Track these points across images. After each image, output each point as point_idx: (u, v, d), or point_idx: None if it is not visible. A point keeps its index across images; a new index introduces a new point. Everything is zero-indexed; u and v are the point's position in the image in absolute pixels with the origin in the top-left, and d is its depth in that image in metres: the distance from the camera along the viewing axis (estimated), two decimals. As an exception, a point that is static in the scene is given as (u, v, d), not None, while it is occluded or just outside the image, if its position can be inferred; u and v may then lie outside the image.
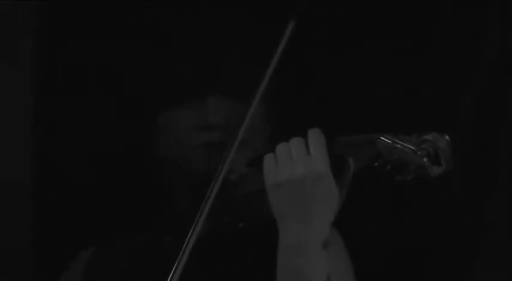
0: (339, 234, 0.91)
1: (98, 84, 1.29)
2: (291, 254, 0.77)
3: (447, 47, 1.32)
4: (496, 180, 1.26)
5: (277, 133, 0.94)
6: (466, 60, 1.29)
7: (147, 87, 0.96)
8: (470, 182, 1.22)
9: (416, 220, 1.23)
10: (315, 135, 0.79)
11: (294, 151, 0.78)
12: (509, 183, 1.24)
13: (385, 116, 1.21)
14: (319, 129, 0.79)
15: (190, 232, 0.77)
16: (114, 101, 1.26)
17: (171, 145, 0.92)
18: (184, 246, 0.77)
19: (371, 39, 1.31)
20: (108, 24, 1.29)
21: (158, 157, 0.94)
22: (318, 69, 1.29)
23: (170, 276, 0.75)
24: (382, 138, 0.75)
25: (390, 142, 0.74)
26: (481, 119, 1.25)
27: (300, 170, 0.76)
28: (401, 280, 1.25)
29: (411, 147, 0.73)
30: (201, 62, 0.91)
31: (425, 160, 0.72)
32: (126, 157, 1.21)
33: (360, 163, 0.77)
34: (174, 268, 0.76)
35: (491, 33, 1.29)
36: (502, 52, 1.28)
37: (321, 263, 0.76)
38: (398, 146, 0.74)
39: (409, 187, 0.91)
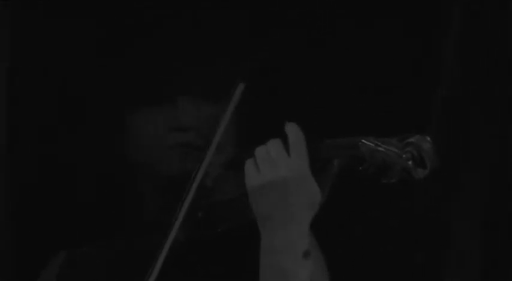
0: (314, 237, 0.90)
1: (64, 84, 1.23)
2: (273, 256, 0.76)
3: (413, 50, 1.33)
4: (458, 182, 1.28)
5: (245, 135, 0.92)
6: (431, 65, 1.31)
7: (116, 89, 0.92)
8: (435, 184, 1.23)
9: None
10: (295, 136, 0.77)
11: (273, 152, 0.77)
12: (472, 185, 1.27)
13: (358, 118, 1.21)
14: (300, 130, 0.77)
15: (168, 236, 0.75)
16: (83, 103, 1.21)
17: (143, 147, 0.88)
18: (160, 251, 0.74)
19: (338, 39, 1.31)
20: (74, 25, 1.24)
21: (129, 159, 0.90)
22: (289, 70, 1.27)
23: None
24: (365, 141, 0.74)
25: (373, 145, 0.73)
26: (447, 121, 1.26)
27: (283, 172, 0.75)
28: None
29: (395, 150, 0.72)
30: (172, 63, 0.88)
31: (410, 162, 0.71)
32: (97, 160, 1.16)
33: (343, 165, 0.76)
34: (148, 274, 0.73)
35: (454, 34, 1.31)
36: (467, 55, 1.30)
37: (303, 264, 0.75)
38: (381, 149, 0.73)
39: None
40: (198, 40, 0.93)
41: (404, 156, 0.71)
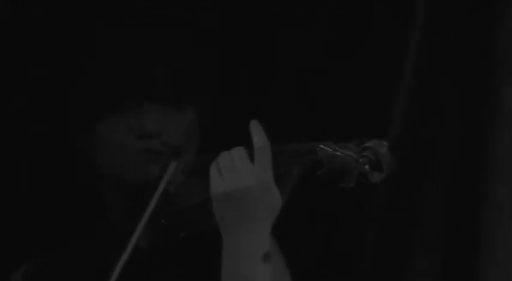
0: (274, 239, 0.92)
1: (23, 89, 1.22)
2: (234, 261, 0.78)
3: (374, 53, 1.35)
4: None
5: (206, 143, 0.93)
6: (393, 66, 1.33)
7: (79, 94, 0.91)
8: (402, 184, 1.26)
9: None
10: (260, 143, 0.78)
11: (237, 161, 0.78)
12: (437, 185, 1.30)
13: (318, 123, 1.23)
14: (266, 137, 0.78)
15: (129, 243, 0.75)
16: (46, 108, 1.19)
17: (108, 153, 0.87)
18: (122, 257, 0.75)
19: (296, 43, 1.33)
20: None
21: (93, 166, 0.90)
22: (249, 77, 1.29)
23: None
24: (322, 146, 0.75)
25: (331, 150, 0.75)
26: (409, 123, 1.29)
27: (247, 181, 0.76)
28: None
29: (352, 155, 0.74)
30: (134, 69, 0.88)
31: (367, 167, 0.73)
32: (63, 168, 1.15)
33: (302, 170, 0.78)
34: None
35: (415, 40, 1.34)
36: (426, 56, 1.32)
37: (264, 269, 0.77)
38: (339, 154, 0.74)
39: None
40: (160, 47, 0.93)
41: (361, 160, 0.73)
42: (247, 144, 0.78)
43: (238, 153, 0.78)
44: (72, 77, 0.99)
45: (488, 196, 1.26)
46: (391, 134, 1.24)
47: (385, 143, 0.76)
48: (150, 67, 0.88)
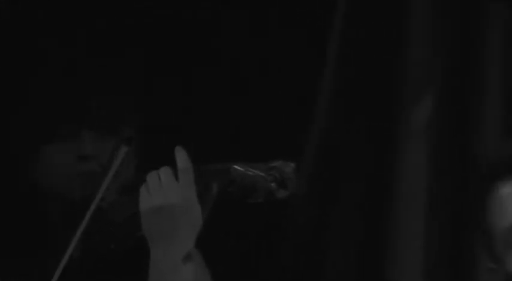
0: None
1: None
2: (159, 271, 0.87)
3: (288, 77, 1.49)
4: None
5: (144, 163, 1.04)
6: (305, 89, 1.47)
7: (21, 121, 1.02)
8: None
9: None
10: (183, 165, 0.89)
11: (163, 179, 0.88)
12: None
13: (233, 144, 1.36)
14: (188, 160, 0.89)
15: (64, 254, 0.85)
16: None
17: (52, 174, 0.98)
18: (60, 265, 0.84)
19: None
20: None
21: (34, 185, 1.00)
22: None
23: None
24: (236, 167, 0.87)
25: (243, 169, 0.87)
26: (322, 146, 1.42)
27: (171, 199, 0.87)
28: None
29: (261, 174, 0.86)
30: (70, 100, 0.99)
31: (273, 184, 0.85)
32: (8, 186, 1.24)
33: (220, 188, 0.89)
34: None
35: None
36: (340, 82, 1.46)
37: (187, 277, 0.87)
38: (250, 173, 0.86)
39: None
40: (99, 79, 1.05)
41: (268, 178, 0.85)
42: (174, 163, 0.90)
43: (165, 172, 0.89)
44: (15, 106, 1.09)
45: (396, 201, 1.40)
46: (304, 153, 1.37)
47: (292, 164, 0.88)
48: (85, 98, 1.00)
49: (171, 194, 0.87)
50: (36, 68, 1.19)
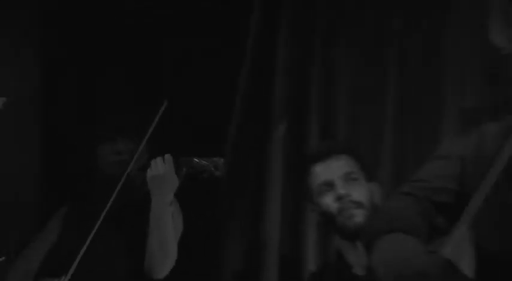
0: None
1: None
2: (155, 210, 1.84)
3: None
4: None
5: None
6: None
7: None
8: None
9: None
10: (167, 157, 1.82)
11: (158, 162, 1.83)
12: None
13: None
14: (169, 154, 1.83)
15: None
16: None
17: (101, 161, 1.87)
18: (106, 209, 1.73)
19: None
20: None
21: (95, 167, 1.88)
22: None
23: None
24: (195, 159, 1.82)
25: (198, 161, 1.82)
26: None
27: (161, 171, 1.79)
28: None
29: (207, 163, 1.81)
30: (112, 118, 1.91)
31: (212, 169, 1.81)
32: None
33: (186, 169, 1.82)
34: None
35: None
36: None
37: (169, 209, 1.81)
38: (203, 162, 1.81)
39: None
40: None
41: (211, 165, 1.81)
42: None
43: (159, 159, 1.83)
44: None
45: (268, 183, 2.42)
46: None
47: (222, 159, 1.85)
48: (118, 118, 1.90)
49: (161, 169, 1.79)
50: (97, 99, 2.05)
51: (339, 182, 1.77)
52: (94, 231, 1.69)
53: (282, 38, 2.47)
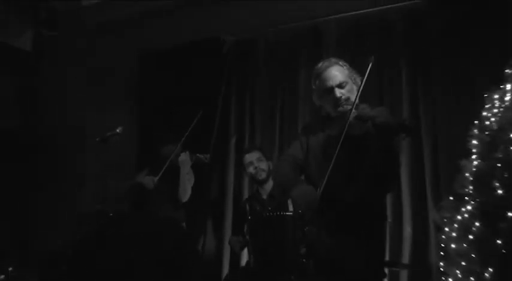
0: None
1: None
2: (182, 175, 4.59)
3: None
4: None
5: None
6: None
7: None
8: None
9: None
10: (187, 152, 4.59)
11: (183, 154, 4.57)
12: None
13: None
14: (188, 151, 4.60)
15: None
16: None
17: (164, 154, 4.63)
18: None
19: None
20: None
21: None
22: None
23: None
24: (198, 154, 4.61)
25: (199, 155, 4.61)
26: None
27: (184, 158, 4.55)
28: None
29: (202, 156, 4.62)
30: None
31: (206, 159, 4.61)
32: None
33: (195, 159, 4.62)
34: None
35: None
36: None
37: (187, 177, 4.61)
38: (201, 156, 4.61)
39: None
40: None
41: (206, 157, 4.60)
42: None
43: (184, 153, 4.58)
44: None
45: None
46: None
47: (208, 155, 4.64)
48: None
49: (185, 158, 4.52)
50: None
51: (255, 161, 4.57)
52: (159, 175, 4.31)
53: (234, 92, 5.31)
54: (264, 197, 4.29)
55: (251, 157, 4.33)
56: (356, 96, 2.57)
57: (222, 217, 5.11)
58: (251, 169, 4.28)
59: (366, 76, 2.46)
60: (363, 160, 2.49)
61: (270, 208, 3.86)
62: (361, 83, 2.51)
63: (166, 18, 5.41)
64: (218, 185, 5.23)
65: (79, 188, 5.45)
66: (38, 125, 5.79)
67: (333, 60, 2.79)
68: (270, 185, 4.28)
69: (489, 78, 3.87)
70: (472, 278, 3.00)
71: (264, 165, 4.29)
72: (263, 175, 4.26)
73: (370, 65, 2.49)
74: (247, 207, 4.34)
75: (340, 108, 2.64)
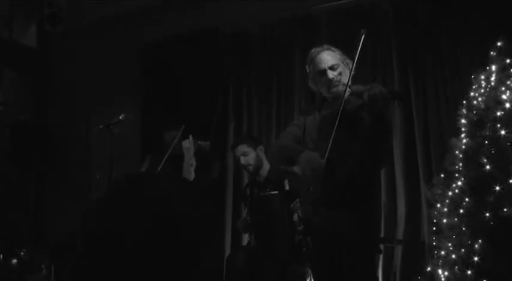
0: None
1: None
2: (186, 161, 4.62)
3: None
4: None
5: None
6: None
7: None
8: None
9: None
10: (190, 139, 4.61)
11: (187, 141, 4.58)
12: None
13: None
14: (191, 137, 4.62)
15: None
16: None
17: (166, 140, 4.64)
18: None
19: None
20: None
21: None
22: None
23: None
24: (199, 142, 4.61)
25: (200, 142, 4.62)
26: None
27: (188, 145, 4.56)
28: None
29: (204, 144, 4.62)
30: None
31: (207, 147, 4.62)
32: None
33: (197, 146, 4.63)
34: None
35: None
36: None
37: (191, 163, 4.63)
38: (202, 143, 4.61)
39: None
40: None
41: (207, 144, 4.61)
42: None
43: (188, 140, 4.61)
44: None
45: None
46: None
47: (208, 142, 4.65)
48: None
49: (188, 144, 4.54)
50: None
51: (241, 158, 4.51)
52: (162, 164, 4.38)
53: (232, 81, 5.32)
54: (261, 181, 4.31)
55: (237, 151, 4.37)
56: (350, 73, 2.60)
57: (223, 200, 5.14)
58: (243, 161, 4.33)
59: (359, 49, 2.47)
60: (358, 134, 2.52)
61: (268, 189, 3.89)
62: (356, 56, 2.52)
63: (165, 11, 5.42)
64: (218, 169, 5.25)
65: (88, 179, 5.48)
66: (48, 118, 5.82)
67: (325, 46, 2.84)
68: (265, 169, 4.29)
69: (476, 59, 3.89)
70: (462, 250, 3.05)
71: (250, 159, 4.32)
72: (250, 168, 4.30)
73: (362, 37, 2.50)
74: (248, 192, 4.37)
75: (334, 89, 2.65)
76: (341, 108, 2.43)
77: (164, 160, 4.24)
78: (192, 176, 4.43)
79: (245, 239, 4.86)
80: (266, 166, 4.31)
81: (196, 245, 0.94)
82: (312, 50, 2.81)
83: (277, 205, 3.56)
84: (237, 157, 4.38)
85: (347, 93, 2.56)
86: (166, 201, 0.92)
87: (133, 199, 0.97)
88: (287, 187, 3.65)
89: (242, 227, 4.27)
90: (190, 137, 4.28)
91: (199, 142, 4.42)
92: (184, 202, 0.93)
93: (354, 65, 2.52)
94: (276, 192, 3.44)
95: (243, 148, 4.30)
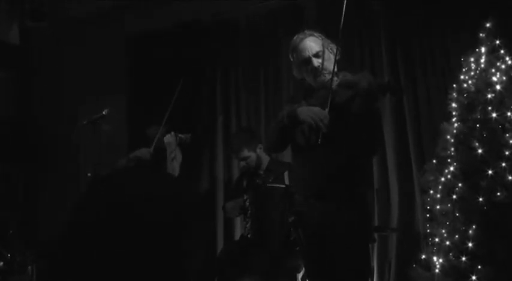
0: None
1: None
2: (168, 154, 4.51)
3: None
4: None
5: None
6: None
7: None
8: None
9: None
10: (172, 133, 4.50)
11: (169, 135, 4.47)
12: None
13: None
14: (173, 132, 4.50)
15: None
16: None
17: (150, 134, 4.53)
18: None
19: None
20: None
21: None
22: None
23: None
24: (180, 135, 4.49)
25: (181, 135, 4.50)
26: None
27: (170, 139, 4.43)
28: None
29: (184, 136, 4.51)
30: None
31: (187, 139, 4.50)
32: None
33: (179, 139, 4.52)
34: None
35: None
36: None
37: (174, 156, 4.53)
38: (182, 136, 4.48)
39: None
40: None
41: (188, 136, 4.50)
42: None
43: (170, 134, 4.50)
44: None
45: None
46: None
47: (189, 134, 4.54)
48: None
49: (170, 139, 4.43)
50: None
51: (241, 162, 4.46)
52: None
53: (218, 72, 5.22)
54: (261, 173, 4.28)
55: (238, 157, 4.36)
56: (334, 60, 2.53)
57: (214, 193, 5.06)
58: (243, 165, 4.34)
59: (343, 13, 2.47)
60: (347, 126, 2.47)
61: (270, 180, 3.88)
62: (341, 23, 2.50)
63: (149, 4, 5.30)
64: (208, 163, 5.16)
65: (77, 176, 5.38)
66: (34, 114, 5.71)
67: (307, 32, 2.75)
68: (264, 163, 4.28)
69: (465, 42, 3.81)
70: (456, 236, 2.99)
71: (251, 162, 4.29)
72: (251, 169, 4.30)
73: (345, 2, 2.48)
74: (244, 183, 4.36)
75: (320, 78, 2.56)
76: (329, 101, 2.38)
77: (151, 149, 4.19)
78: (176, 170, 4.37)
79: (237, 233, 4.78)
80: (265, 160, 4.30)
81: (166, 225, 0.93)
82: (295, 38, 2.72)
83: (277, 198, 3.62)
84: (238, 160, 4.40)
85: (335, 83, 2.47)
86: (117, 187, 0.88)
87: (90, 191, 0.99)
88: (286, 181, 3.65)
89: (232, 208, 4.26)
90: (172, 132, 4.25)
91: (179, 135, 4.34)
92: (141, 185, 0.91)
93: (340, 35, 2.49)
94: (283, 185, 3.46)
95: (243, 154, 4.26)
